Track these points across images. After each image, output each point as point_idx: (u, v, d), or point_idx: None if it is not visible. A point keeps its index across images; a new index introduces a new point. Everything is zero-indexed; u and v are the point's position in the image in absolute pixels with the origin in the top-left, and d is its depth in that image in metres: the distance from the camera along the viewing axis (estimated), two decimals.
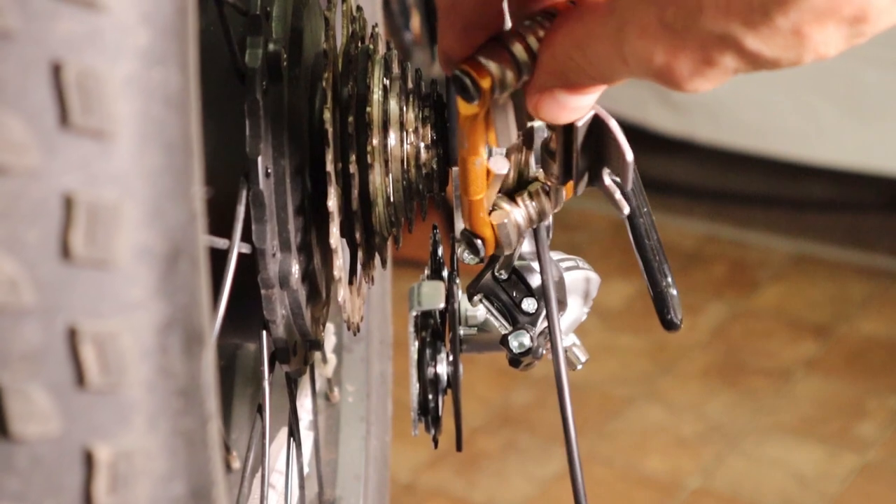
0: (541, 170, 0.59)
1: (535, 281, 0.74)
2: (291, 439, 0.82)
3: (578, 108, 0.50)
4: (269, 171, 0.62)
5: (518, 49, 0.50)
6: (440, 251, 0.76)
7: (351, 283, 0.73)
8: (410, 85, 0.69)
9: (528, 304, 0.74)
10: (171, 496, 0.40)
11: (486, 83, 0.50)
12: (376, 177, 0.66)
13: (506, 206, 0.60)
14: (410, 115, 0.67)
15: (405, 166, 0.67)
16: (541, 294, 0.73)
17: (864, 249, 2.53)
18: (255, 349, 1.01)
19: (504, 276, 0.74)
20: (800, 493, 1.91)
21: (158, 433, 0.39)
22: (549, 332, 0.72)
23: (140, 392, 0.38)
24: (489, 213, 0.60)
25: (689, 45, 0.44)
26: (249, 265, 0.62)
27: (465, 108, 0.52)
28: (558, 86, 0.49)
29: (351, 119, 0.65)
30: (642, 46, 0.45)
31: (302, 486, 0.87)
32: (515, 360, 0.74)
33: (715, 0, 0.42)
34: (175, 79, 0.39)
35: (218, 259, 0.59)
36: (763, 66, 0.44)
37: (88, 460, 0.38)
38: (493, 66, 0.50)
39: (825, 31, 0.41)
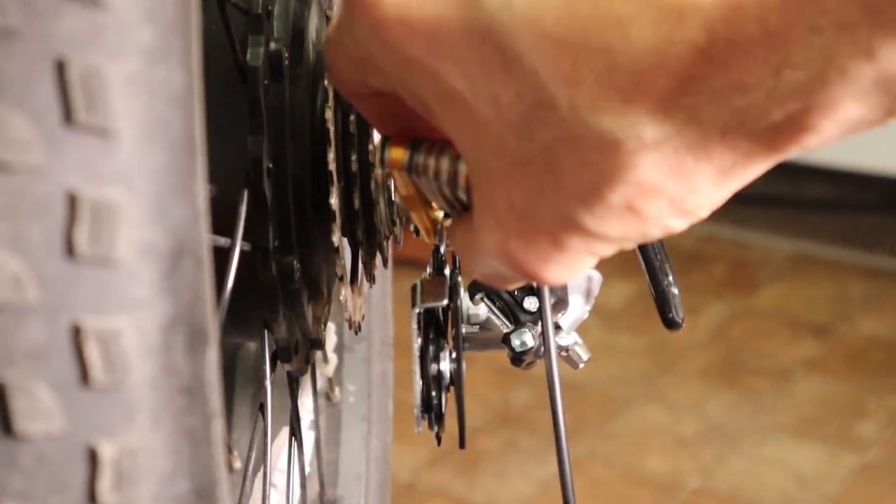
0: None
1: None
2: (293, 439, 0.82)
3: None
4: (271, 169, 0.62)
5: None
6: (442, 249, 0.76)
7: (352, 282, 0.73)
8: None
9: (530, 303, 0.74)
10: (174, 494, 0.40)
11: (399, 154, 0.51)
12: (378, 176, 0.66)
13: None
14: None
15: None
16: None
17: (864, 249, 2.53)
18: (257, 348, 1.01)
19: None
20: (800, 493, 1.91)
21: (162, 431, 0.39)
22: (543, 333, 0.72)
23: (144, 390, 0.38)
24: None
25: (538, 229, 0.45)
26: (251, 264, 0.62)
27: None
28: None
29: (352, 118, 0.65)
30: (498, 240, 0.46)
31: (303, 486, 0.87)
32: (517, 359, 0.74)
33: (552, 181, 0.43)
34: (178, 77, 0.39)
35: (220, 258, 0.59)
36: (616, 244, 0.44)
37: (92, 458, 0.38)
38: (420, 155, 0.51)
39: (657, 204, 0.42)
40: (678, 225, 0.43)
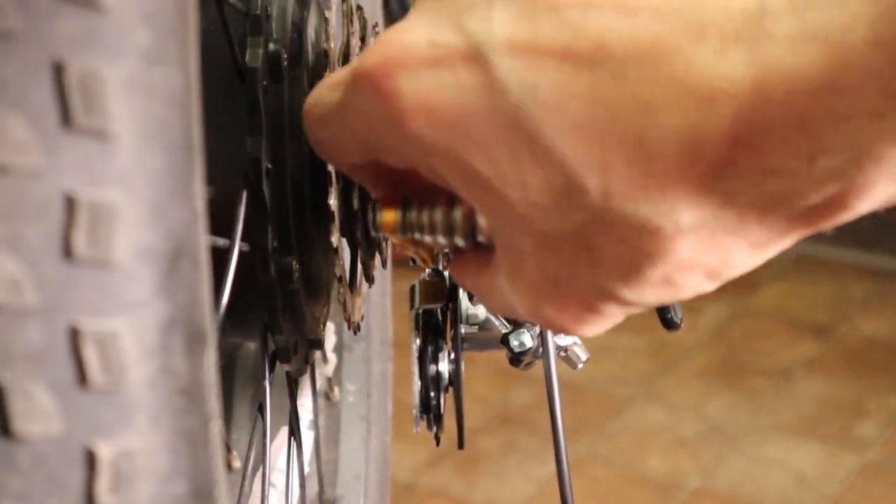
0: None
1: None
2: (292, 438, 0.82)
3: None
4: (270, 170, 0.62)
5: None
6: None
7: (351, 282, 0.73)
8: None
9: None
10: (172, 495, 0.40)
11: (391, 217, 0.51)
12: None
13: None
14: None
15: None
16: None
17: (864, 249, 2.53)
18: (256, 349, 1.01)
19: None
20: (800, 493, 1.91)
21: (160, 432, 0.39)
22: (541, 333, 0.72)
23: (142, 391, 0.38)
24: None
25: (573, 297, 0.45)
26: (250, 264, 0.62)
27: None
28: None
29: None
30: (530, 302, 0.47)
31: (303, 486, 0.87)
32: (516, 359, 0.74)
33: (587, 257, 0.43)
34: (176, 78, 0.39)
35: (218, 258, 0.59)
36: (647, 306, 0.46)
37: (90, 459, 0.38)
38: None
39: (694, 277, 0.43)
40: (710, 288, 0.44)
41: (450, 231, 0.49)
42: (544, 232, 0.43)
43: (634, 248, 0.42)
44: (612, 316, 0.46)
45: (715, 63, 0.38)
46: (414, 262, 0.57)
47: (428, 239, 0.50)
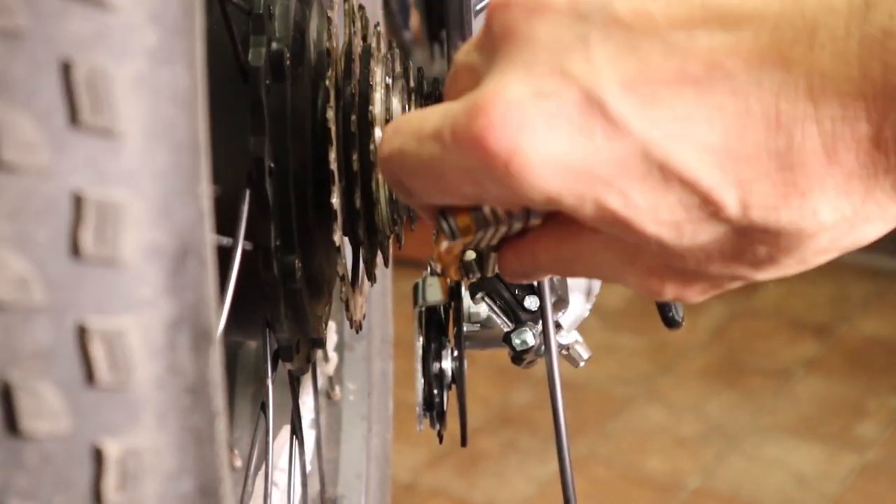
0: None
1: None
2: (294, 437, 0.83)
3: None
4: (273, 169, 0.63)
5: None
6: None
7: (354, 280, 0.73)
8: (412, 84, 0.69)
9: (531, 302, 0.74)
10: (178, 493, 0.40)
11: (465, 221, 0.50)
12: (378, 175, 0.66)
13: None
14: None
15: None
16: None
17: (864, 249, 2.53)
18: (258, 347, 1.01)
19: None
20: (800, 493, 1.91)
21: (167, 430, 0.39)
22: (543, 331, 0.72)
23: (149, 389, 0.39)
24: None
25: (701, 282, 0.45)
26: (252, 263, 0.63)
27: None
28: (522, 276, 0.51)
29: (354, 118, 0.65)
30: (651, 283, 0.46)
31: (304, 484, 0.87)
32: (518, 358, 0.75)
33: (720, 255, 0.43)
34: (183, 78, 0.39)
35: (221, 257, 0.59)
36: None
37: (97, 457, 0.38)
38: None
39: (827, 256, 0.43)
40: (834, 256, 0.44)
41: (526, 214, 0.48)
42: (674, 245, 0.43)
43: (773, 246, 0.42)
44: (733, 287, 0.46)
45: (835, 66, 0.38)
46: (442, 273, 0.57)
47: (503, 229, 0.49)
